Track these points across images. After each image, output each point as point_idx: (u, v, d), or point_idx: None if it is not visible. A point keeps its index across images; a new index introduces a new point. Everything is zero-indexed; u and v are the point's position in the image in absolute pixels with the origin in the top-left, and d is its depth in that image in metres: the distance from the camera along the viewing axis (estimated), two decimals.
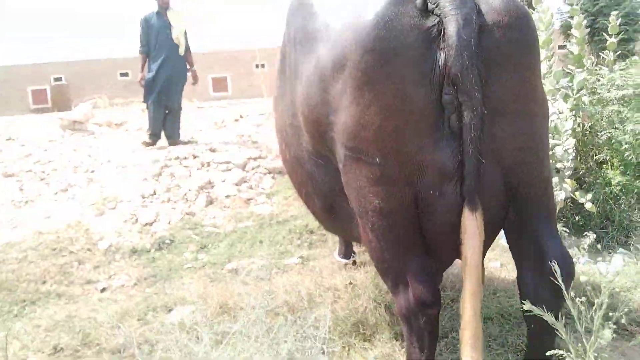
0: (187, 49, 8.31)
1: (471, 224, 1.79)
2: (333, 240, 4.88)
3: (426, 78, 1.79)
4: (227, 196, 6.65)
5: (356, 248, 4.35)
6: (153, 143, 8.11)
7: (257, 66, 21.06)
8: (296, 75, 2.31)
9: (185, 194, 6.52)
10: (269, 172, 7.53)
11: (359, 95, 1.85)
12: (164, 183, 6.70)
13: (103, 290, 4.27)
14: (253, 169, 7.50)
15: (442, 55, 1.76)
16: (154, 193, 6.45)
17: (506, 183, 1.94)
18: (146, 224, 5.77)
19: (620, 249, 4.70)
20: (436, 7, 1.77)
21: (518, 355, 2.61)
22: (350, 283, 3.53)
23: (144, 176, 6.82)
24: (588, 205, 5.21)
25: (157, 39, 7.88)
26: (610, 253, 4.57)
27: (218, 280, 4.32)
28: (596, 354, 1.73)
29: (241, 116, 11.59)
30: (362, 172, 1.92)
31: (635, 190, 5.30)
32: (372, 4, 1.82)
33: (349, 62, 1.86)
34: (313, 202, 2.72)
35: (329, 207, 2.54)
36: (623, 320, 2.77)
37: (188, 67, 8.36)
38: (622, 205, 5.29)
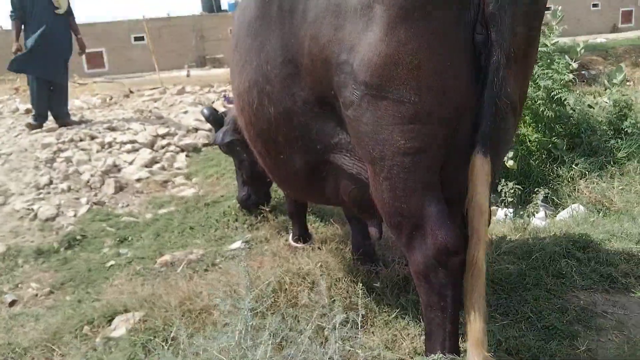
0: (70, 12, 7.22)
1: (482, 168, 1.75)
2: (276, 220, 4.48)
3: (463, 17, 1.72)
4: (139, 180, 5.92)
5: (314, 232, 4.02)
6: (39, 125, 6.97)
7: (135, 39, 19.43)
8: (296, 16, 2.08)
9: (88, 181, 5.69)
10: (182, 150, 6.86)
11: (392, 32, 1.71)
12: (60, 170, 5.78)
13: (12, 303, 3.51)
14: (163, 147, 6.78)
15: None
16: (51, 182, 5.53)
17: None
18: (47, 220, 4.92)
19: (541, 203, 4.77)
20: None
21: (525, 323, 2.47)
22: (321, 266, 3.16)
23: (35, 164, 5.83)
24: (510, 163, 5.35)
25: (34, 2, 6.71)
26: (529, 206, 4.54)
27: (152, 277, 3.74)
28: None
29: (131, 91, 10.55)
30: (386, 111, 1.80)
31: (549, 146, 5.53)
32: None
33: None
34: (292, 164, 2.46)
35: (314, 167, 2.38)
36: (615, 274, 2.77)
37: (73, 35, 7.29)
38: (537, 161, 5.50)
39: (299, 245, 3.77)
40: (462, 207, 1.88)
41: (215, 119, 4.45)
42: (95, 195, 5.53)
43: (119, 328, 2.77)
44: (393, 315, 2.61)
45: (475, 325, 1.75)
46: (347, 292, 2.81)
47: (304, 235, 3.82)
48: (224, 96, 10.21)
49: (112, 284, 3.73)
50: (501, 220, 4.37)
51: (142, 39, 19.44)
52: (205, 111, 4.49)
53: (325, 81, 2.01)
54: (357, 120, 1.89)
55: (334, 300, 2.61)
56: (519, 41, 1.80)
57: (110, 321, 2.94)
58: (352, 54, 1.83)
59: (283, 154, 2.49)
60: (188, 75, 15.77)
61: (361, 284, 2.42)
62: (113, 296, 3.36)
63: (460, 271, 1.85)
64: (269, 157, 2.66)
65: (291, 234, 3.92)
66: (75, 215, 5.08)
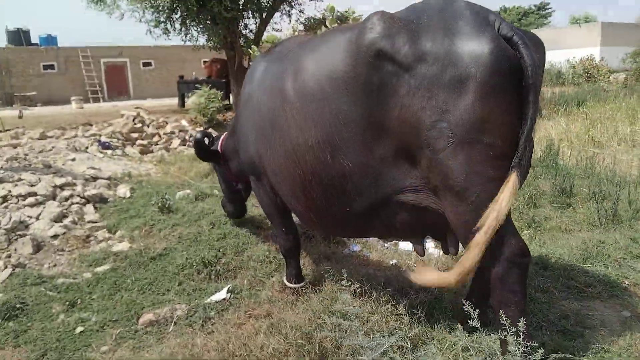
0: None
1: (513, 182, 2.43)
2: (244, 267, 4.53)
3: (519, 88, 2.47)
4: (55, 236, 5.37)
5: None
6: None
7: None
8: (385, 90, 2.66)
9: None
10: (88, 202, 6.34)
11: (484, 100, 2.42)
12: None
13: None
14: (67, 199, 6.19)
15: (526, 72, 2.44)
16: None
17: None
18: None
19: None
20: (511, 40, 2.47)
21: (543, 330, 3.06)
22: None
23: None
24: None
25: None
26: None
27: (146, 339, 3.56)
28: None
29: None
30: (479, 153, 2.47)
31: None
32: (484, 35, 2.44)
33: (474, 78, 2.41)
34: (350, 205, 3.04)
35: (378, 207, 2.96)
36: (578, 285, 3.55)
37: None
38: None
39: (296, 285, 3.94)
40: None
41: (203, 144, 4.76)
42: (9, 257, 4.88)
43: None
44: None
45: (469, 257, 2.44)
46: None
47: (299, 275, 4.00)
48: (99, 141, 9.59)
49: (102, 353, 3.45)
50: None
51: None
52: (198, 134, 4.78)
53: (411, 137, 2.59)
54: (450, 159, 2.49)
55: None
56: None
57: None
58: (446, 116, 2.46)
59: (344, 199, 2.99)
60: (20, 117, 14.34)
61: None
62: None
63: (527, 269, 2.57)
64: (323, 199, 3.12)
65: (286, 275, 4.06)
66: None
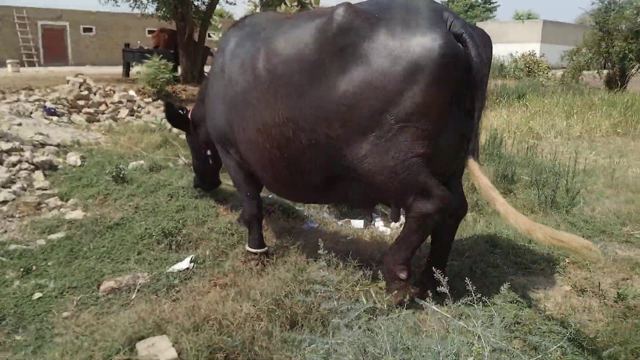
0: None
1: (475, 166, 2.87)
2: (206, 239, 4.56)
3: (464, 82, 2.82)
4: (4, 202, 5.17)
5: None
6: None
7: None
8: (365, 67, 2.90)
9: None
10: (37, 168, 6.12)
11: (429, 91, 2.75)
12: None
13: None
14: (14, 165, 5.95)
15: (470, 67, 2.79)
16: None
17: None
18: None
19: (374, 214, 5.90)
20: (461, 37, 2.79)
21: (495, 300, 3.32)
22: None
23: None
24: None
25: None
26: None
27: (109, 305, 3.57)
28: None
29: None
30: (414, 135, 2.85)
31: None
32: (436, 31, 2.73)
33: (423, 70, 2.73)
34: (309, 177, 3.41)
35: (329, 177, 3.34)
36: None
37: None
38: None
39: (258, 250, 4.07)
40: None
41: (176, 114, 4.97)
42: None
43: (164, 352, 2.72)
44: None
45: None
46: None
47: (261, 241, 4.14)
48: (44, 107, 9.18)
49: (64, 318, 3.42)
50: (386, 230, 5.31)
51: None
52: (168, 104, 4.97)
53: (360, 121, 2.93)
54: (391, 142, 2.87)
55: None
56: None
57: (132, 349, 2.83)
58: (392, 103, 2.81)
59: (302, 169, 3.35)
60: None
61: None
62: (90, 329, 3.15)
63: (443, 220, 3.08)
64: (287, 171, 3.45)
65: (248, 241, 4.17)
66: None
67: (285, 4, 8.20)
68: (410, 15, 2.83)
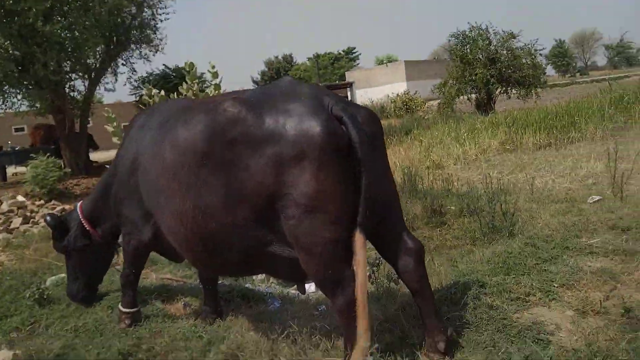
0: None
1: (360, 240, 2.87)
2: (169, 349, 4.07)
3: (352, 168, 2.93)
4: None
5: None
6: None
7: None
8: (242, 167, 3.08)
9: None
10: None
11: (318, 175, 2.86)
12: None
13: None
14: None
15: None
16: None
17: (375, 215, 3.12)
18: None
19: None
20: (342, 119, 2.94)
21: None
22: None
23: None
24: None
25: None
26: None
27: None
28: None
29: None
30: (318, 219, 2.91)
31: None
32: (317, 118, 2.89)
33: (308, 155, 2.85)
34: (227, 257, 3.47)
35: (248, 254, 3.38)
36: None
37: None
38: None
39: (131, 310, 4.42)
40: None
41: (62, 226, 4.79)
42: None
43: None
44: None
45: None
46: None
47: (134, 299, 4.48)
48: None
49: None
50: None
51: None
52: (50, 219, 4.78)
53: (267, 205, 3.02)
54: (298, 225, 2.93)
55: None
56: (378, 165, 3.11)
57: None
58: (292, 188, 2.90)
59: (220, 252, 3.42)
60: None
61: None
62: None
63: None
64: (204, 251, 3.51)
65: (122, 302, 4.46)
66: None
67: (186, 82, 8.01)
68: (293, 103, 3.01)
